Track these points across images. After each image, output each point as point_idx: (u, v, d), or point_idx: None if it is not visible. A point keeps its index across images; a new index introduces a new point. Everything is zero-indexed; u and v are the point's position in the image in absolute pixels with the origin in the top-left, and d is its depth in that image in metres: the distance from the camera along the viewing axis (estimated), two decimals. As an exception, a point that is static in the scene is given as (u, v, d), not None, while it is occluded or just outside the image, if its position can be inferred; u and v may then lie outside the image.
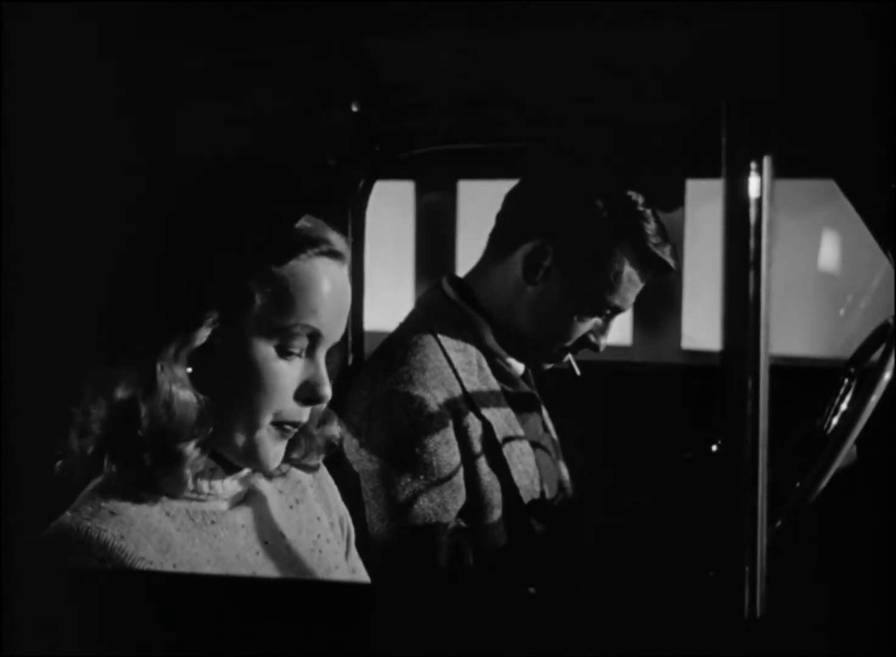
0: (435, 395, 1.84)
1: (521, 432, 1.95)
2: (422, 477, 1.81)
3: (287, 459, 1.36)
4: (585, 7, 1.19)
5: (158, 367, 1.23)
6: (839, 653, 1.08)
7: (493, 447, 1.88)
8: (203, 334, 1.24)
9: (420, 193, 5.37)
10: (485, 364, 1.95)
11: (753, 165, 1.04)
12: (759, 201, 1.04)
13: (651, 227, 1.93)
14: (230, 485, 1.35)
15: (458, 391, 1.87)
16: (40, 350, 1.40)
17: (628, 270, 1.93)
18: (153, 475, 1.25)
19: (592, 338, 1.98)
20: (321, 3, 1.25)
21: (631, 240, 1.92)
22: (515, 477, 1.89)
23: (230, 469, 1.34)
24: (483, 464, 1.87)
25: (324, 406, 1.35)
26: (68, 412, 1.26)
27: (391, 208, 5.13)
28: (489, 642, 1.13)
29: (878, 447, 1.81)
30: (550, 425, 2.13)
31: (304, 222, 1.29)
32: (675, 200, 5.01)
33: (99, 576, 1.21)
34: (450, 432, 1.83)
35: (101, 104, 1.48)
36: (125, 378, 1.24)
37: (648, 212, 1.93)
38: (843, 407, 1.90)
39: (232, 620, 1.18)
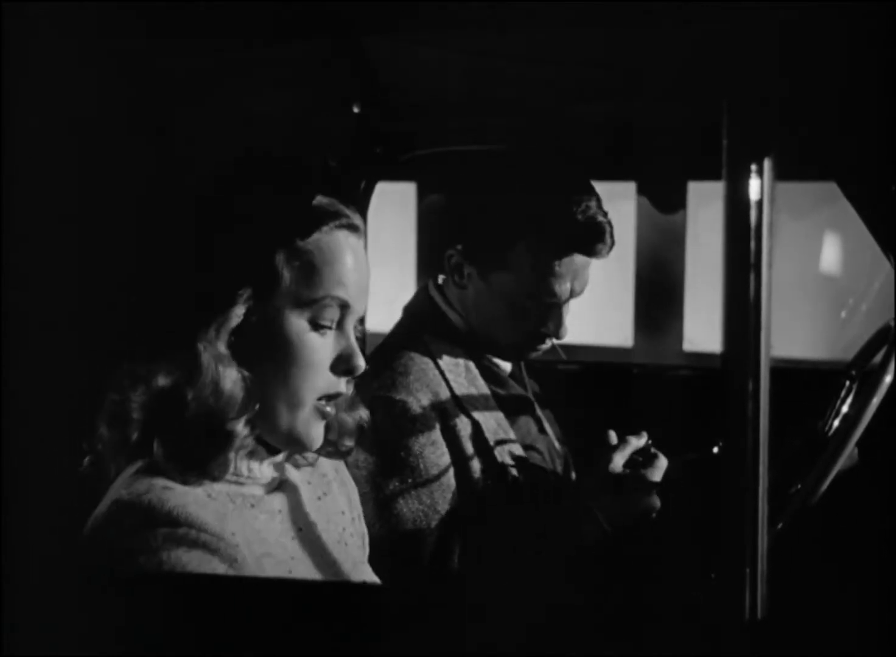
0: (419, 398, 1.84)
1: (511, 433, 1.94)
2: (409, 480, 1.80)
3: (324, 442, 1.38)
4: (586, 7, 1.19)
5: (201, 348, 1.25)
6: (840, 655, 1.08)
7: (484, 446, 1.88)
8: (239, 311, 1.28)
9: (422, 195, 5.37)
10: (472, 366, 1.95)
11: (754, 167, 1.04)
12: (760, 203, 1.04)
13: (569, 216, 1.85)
14: (267, 470, 1.38)
15: (445, 392, 1.87)
16: (54, 348, 1.41)
17: (545, 265, 1.87)
18: (203, 458, 1.28)
19: (544, 330, 1.93)
20: (321, 3, 1.25)
21: (533, 238, 1.86)
22: (508, 476, 1.89)
23: (268, 451, 1.37)
24: (475, 463, 1.86)
25: (359, 373, 1.36)
26: (101, 401, 1.27)
27: (393, 209, 5.13)
28: (489, 642, 1.13)
29: (879, 449, 1.81)
30: (548, 427, 2.11)
31: (319, 199, 1.34)
32: (677, 203, 5.01)
33: (98, 576, 1.21)
34: (436, 433, 1.83)
35: (100, 104, 1.48)
36: (165, 364, 1.26)
37: (571, 206, 1.85)
38: (845, 409, 1.90)
39: (230, 621, 1.18)
